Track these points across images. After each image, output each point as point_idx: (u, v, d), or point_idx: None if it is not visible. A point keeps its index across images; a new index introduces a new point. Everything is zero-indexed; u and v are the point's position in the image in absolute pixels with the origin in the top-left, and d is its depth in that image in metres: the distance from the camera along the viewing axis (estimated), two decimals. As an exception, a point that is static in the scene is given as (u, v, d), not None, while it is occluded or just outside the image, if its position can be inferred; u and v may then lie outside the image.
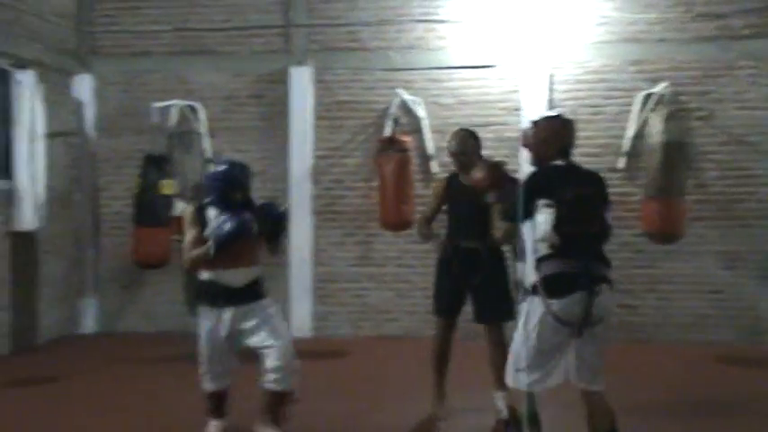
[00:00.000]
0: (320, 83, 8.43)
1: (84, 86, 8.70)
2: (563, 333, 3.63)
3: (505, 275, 5.08)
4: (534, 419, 3.81)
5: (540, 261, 3.66)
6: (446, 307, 5.18)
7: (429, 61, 8.29)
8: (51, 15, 8.30)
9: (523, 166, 8.02)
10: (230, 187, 4.58)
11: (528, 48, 8.09)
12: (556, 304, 3.58)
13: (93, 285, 8.78)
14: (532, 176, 3.85)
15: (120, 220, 8.64)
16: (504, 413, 4.73)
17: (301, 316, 8.37)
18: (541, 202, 3.66)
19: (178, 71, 8.65)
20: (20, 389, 6.41)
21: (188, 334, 8.43)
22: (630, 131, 7.90)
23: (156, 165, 7.88)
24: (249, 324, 4.60)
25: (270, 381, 4.57)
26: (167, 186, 7.84)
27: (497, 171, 4.14)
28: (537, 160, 3.93)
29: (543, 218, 3.65)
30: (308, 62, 8.42)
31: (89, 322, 8.76)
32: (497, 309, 5.01)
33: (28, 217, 7.59)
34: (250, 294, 4.64)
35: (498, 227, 4.33)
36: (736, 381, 6.55)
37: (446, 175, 5.58)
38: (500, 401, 4.85)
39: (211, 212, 4.60)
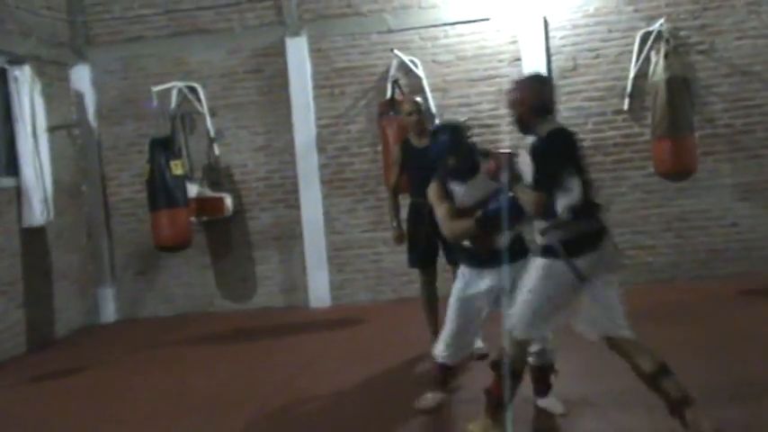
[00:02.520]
0: (317, 52, 8.39)
1: (81, 77, 8.69)
2: (576, 290, 3.74)
3: None
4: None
5: (559, 225, 3.73)
6: (422, 258, 5.75)
7: (424, 20, 8.23)
8: (43, 9, 8.26)
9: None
10: (448, 156, 4.34)
11: (522, -4, 8.02)
12: (581, 262, 3.68)
13: (109, 274, 8.83)
14: (562, 144, 3.82)
15: (130, 207, 8.68)
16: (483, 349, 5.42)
17: (319, 286, 8.41)
18: (569, 169, 3.73)
19: (174, 53, 8.62)
20: (46, 383, 6.43)
21: (208, 314, 8.58)
22: (632, 72, 7.83)
23: (163, 147, 7.88)
24: (510, 286, 4.17)
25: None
26: (177, 167, 7.85)
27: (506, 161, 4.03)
28: (521, 122, 3.94)
29: (573, 184, 3.72)
30: (303, 32, 8.37)
31: (109, 311, 8.81)
32: None
33: (37, 212, 7.60)
34: (513, 253, 4.25)
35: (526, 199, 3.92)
36: (762, 311, 6.52)
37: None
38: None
39: (453, 185, 4.41)
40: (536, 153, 3.76)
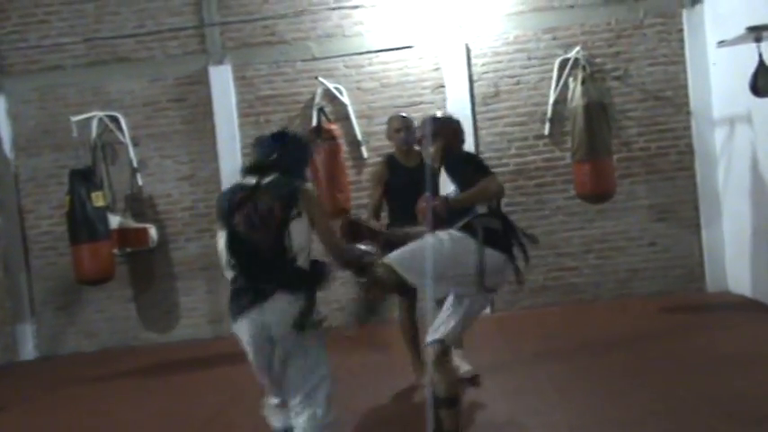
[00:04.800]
0: (241, 80, 8.35)
1: (-4, 107, 8.45)
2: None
3: None
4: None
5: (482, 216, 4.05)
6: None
7: (348, 48, 8.30)
8: (-47, 38, 8.02)
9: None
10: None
11: (444, 25, 8.17)
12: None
13: (28, 310, 8.51)
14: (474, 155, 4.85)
15: (49, 240, 8.42)
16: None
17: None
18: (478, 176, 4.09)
19: (94, 82, 8.45)
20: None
21: (133, 348, 8.35)
22: (552, 98, 8.06)
23: (83, 179, 7.71)
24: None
25: None
26: (98, 198, 7.69)
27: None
28: (449, 150, 4.36)
29: None
30: (227, 60, 8.34)
31: (28, 348, 8.48)
32: None
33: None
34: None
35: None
36: (682, 328, 6.72)
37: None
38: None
39: None
40: (459, 161, 4.28)
